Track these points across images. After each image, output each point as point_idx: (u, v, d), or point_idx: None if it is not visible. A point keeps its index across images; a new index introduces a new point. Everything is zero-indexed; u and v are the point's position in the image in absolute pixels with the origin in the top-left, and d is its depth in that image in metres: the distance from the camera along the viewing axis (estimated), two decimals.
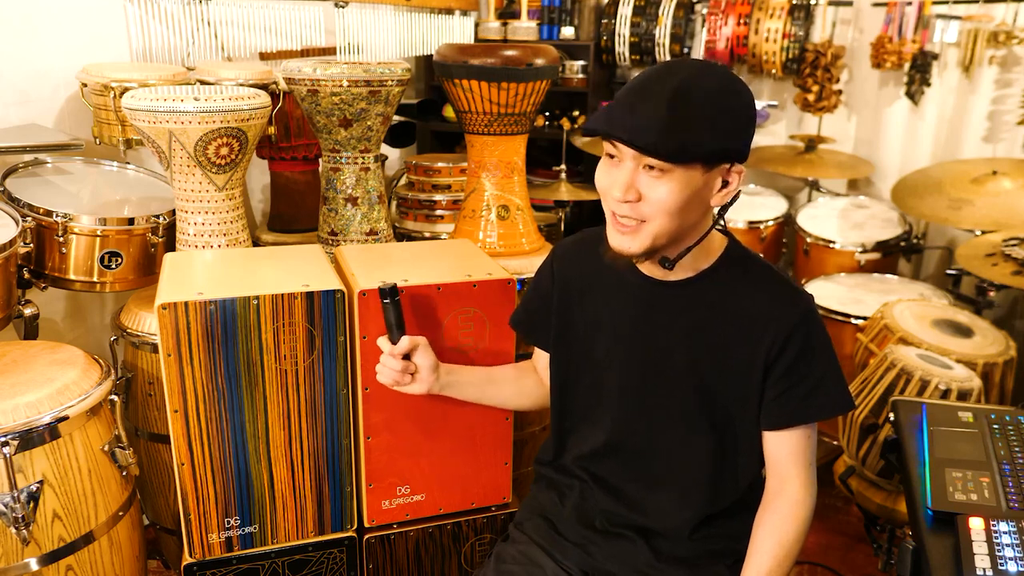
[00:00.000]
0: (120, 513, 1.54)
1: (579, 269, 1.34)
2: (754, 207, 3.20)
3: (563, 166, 3.06)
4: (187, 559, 1.48)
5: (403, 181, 2.81)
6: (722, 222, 1.23)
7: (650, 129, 1.05)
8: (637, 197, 1.11)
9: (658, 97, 1.06)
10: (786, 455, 1.22)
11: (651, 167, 1.09)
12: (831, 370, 1.21)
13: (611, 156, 1.14)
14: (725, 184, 1.14)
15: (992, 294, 2.40)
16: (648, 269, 1.24)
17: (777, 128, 3.51)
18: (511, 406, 1.56)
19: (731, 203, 1.18)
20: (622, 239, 1.15)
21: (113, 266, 1.87)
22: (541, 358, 1.47)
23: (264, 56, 2.58)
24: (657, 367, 1.24)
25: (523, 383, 1.51)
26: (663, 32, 3.39)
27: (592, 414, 1.33)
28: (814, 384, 1.19)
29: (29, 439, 1.37)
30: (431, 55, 3.03)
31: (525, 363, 1.54)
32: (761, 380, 1.20)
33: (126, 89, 1.80)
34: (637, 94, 1.09)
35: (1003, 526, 1.08)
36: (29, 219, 1.77)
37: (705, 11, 3.34)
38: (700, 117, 1.07)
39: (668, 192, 1.09)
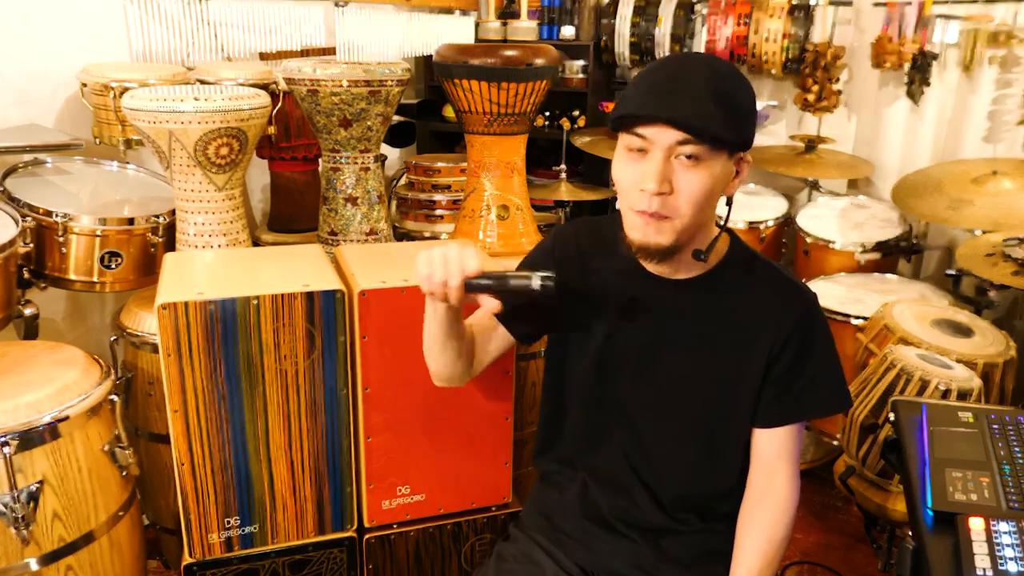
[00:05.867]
0: (120, 513, 1.54)
1: (580, 259, 1.30)
2: (754, 207, 3.19)
3: (563, 166, 3.06)
4: (187, 559, 1.48)
5: (403, 181, 2.81)
6: (724, 213, 1.23)
7: (701, 112, 1.04)
8: (670, 189, 1.09)
9: (696, 83, 1.06)
10: (775, 452, 1.22)
11: (688, 156, 1.07)
12: (829, 367, 1.21)
13: (637, 150, 1.10)
14: (737, 173, 1.15)
15: (992, 294, 2.40)
16: (653, 267, 1.23)
17: (777, 128, 3.50)
18: (445, 366, 1.30)
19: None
20: (647, 231, 1.12)
21: (113, 266, 1.87)
22: (488, 327, 1.33)
23: (264, 56, 2.58)
24: (657, 364, 1.24)
25: (467, 351, 1.32)
26: (663, 32, 3.39)
27: (587, 407, 1.31)
28: (809, 382, 1.20)
29: (29, 439, 1.37)
30: (431, 55, 3.03)
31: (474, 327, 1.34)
32: (761, 379, 1.20)
33: (126, 89, 1.81)
34: (673, 81, 1.08)
35: (1003, 526, 1.08)
36: (29, 219, 1.77)
37: (705, 11, 3.34)
38: (738, 103, 1.08)
39: (700, 181, 1.08)
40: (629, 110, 1.09)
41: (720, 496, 1.27)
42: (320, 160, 2.15)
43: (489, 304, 1.17)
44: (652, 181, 1.07)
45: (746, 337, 1.20)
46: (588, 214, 3.56)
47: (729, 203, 1.20)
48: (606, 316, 1.27)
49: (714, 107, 1.05)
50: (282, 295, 1.39)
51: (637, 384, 1.26)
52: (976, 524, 1.09)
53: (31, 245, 1.79)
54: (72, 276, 1.85)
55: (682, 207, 1.10)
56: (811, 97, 3.22)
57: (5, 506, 1.34)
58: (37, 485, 1.38)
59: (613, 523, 1.30)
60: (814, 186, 3.39)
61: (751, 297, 1.21)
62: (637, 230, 1.13)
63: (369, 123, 1.95)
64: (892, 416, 1.45)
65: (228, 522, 1.48)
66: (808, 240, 3.00)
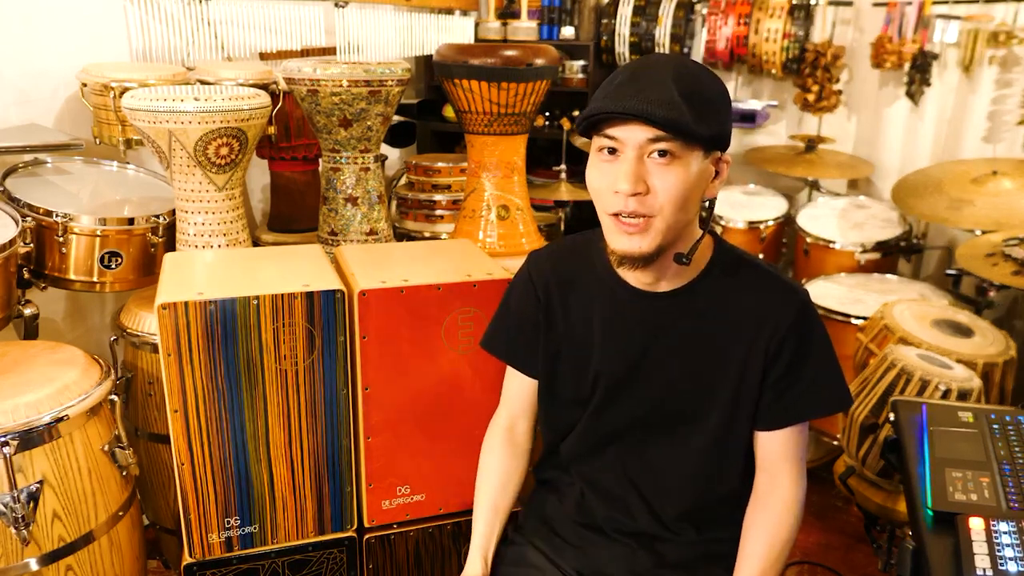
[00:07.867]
0: (120, 513, 1.54)
1: (560, 283, 1.28)
2: (754, 207, 3.20)
3: (563, 166, 3.06)
4: (187, 559, 1.48)
5: (403, 181, 2.81)
6: (704, 214, 1.20)
7: (667, 105, 1.02)
8: (646, 189, 1.06)
9: (663, 78, 1.04)
10: (779, 454, 1.21)
11: (662, 153, 1.04)
12: (827, 366, 1.19)
13: (608, 151, 1.08)
14: (716, 174, 1.13)
15: (992, 294, 2.40)
16: (636, 280, 1.21)
17: (777, 128, 3.51)
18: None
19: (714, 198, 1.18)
20: (630, 240, 1.09)
21: (113, 266, 1.87)
22: (525, 389, 1.37)
23: (264, 56, 2.58)
24: (651, 379, 1.22)
25: (514, 475, 1.39)
26: (663, 32, 3.39)
27: (582, 422, 1.30)
28: (809, 383, 1.18)
29: (29, 439, 1.37)
30: (431, 55, 3.03)
31: (504, 450, 1.39)
32: (759, 383, 1.18)
33: (126, 89, 1.80)
34: (639, 78, 1.06)
35: (1003, 526, 1.08)
36: (29, 219, 1.77)
37: (705, 11, 3.34)
38: (707, 97, 1.07)
39: (676, 179, 1.05)
40: (593, 110, 1.06)
41: (720, 498, 1.26)
42: (320, 160, 2.15)
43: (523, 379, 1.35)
44: (626, 182, 1.05)
45: (740, 341, 1.18)
46: (588, 214, 3.56)
47: (711, 206, 1.18)
48: (595, 334, 1.25)
49: (680, 101, 1.02)
50: (282, 295, 1.39)
51: (631, 399, 1.24)
52: (976, 524, 1.09)
53: (31, 245, 1.79)
54: (72, 276, 1.85)
55: (662, 206, 1.07)
56: (811, 97, 3.22)
57: (5, 506, 1.34)
58: (37, 485, 1.38)
59: (609, 532, 1.29)
60: (814, 186, 3.39)
61: (742, 300, 1.18)
62: (619, 239, 1.11)
63: (369, 123, 1.95)
64: (892, 416, 1.45)
65: (228, 522, 1.48)
66: (808, 240, 3.00)
